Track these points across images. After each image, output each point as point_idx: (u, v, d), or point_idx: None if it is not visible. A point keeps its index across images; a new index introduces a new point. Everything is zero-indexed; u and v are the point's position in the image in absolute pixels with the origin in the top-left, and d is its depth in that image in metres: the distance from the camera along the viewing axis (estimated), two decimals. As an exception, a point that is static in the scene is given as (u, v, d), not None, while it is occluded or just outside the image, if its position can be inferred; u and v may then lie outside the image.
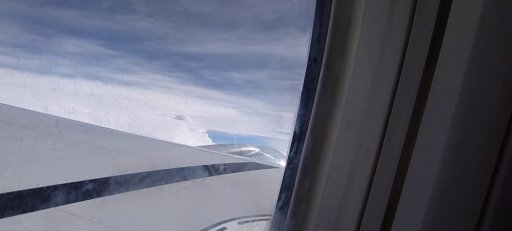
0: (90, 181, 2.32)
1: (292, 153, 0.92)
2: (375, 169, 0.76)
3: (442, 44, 0.68)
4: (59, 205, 2.01)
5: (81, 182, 2.22)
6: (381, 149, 0.75)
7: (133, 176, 2.68)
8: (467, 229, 0.65)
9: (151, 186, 2.81)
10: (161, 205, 2.77)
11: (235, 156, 5.92)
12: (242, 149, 6.62)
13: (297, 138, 0.91)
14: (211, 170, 3.81)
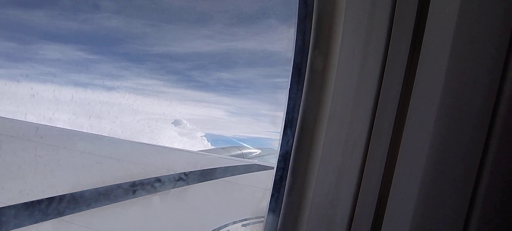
0: (82, 192, 2.31)
1: (282, 151, 0.91)
2: (364, 162, 0.75)
3: (424, 36, 0.68)
4: (44, 220, 1.99)
5: (71, 194, 2.20)
6: (369, 142, 0.75)
7: (131, 183, 2.68)
8: (458, 217, 0.64)
9: (151, 193, 2.81)
10: (161, 211, 2.77)
11: (236, 158, 5.93)
12: (243, 151, 6.63)
13: (287, 136, 0.90)
14: (212, 173, 3.82)
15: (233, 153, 6.38)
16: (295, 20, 0.86)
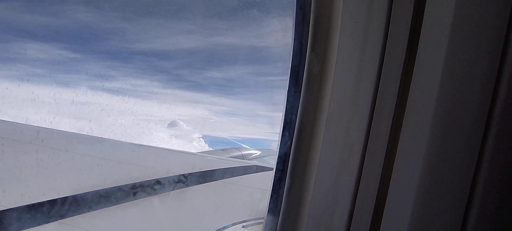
0: (83, 194, 2.31)
1: (281, 153, 0.92)
2: (362, 163, 0.76)
3: (420, 38, 0.68)
4: (45, 223, 1.99)
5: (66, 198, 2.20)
6: (367, 143, 0.75)
7: (132, 185, 2.69)
8: (455, 217, 0.65)
9: (151, 195, 2.82)
10: (162, 213, 2.77)
11: (236, 159, 5.93)
12: (243, 153, 6.62)
13: (285, 138, 0.91)
14: (213, 174, 3.82)
15: (233, 154, 6.38)
16: (292, 22, 0.87)
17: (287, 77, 0.88)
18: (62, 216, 2.08)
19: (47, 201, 2.05)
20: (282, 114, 0.91)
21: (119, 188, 2.59)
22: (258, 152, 6.96)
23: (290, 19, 0.86)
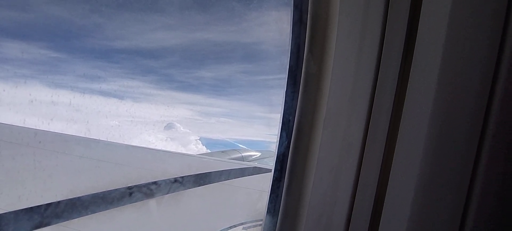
0: (81, 197, 2.30)
1: (279, 153, 0.92)
2: (361, 163, 0.76)
3: (417, 38, 0.69)
4: (43, 226, 1.98)
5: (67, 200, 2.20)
6: (365, 143, 0.75)
7: (130, 187, 2.68)
8: (454, 216, 0.65)
9: (150, 197, 2.81)
10: (160, 215, 2.76)
11: (236, 161, 5.92)
12: (243, 154, 6.61)
13: (284, 138, 0.91)
14: (213, 176, 3.82)
15: (233, 156, 6.37)
16: (289, 22, 0.87)
17: (284, 77, 0.88)
18: (59, 219, 2.07)
19: (46, 204, 2.04)
20: (280, 115, 0.91)
21: (117, 190, 2.58)
22: (258, 154, 6.94)
23: (286, 16, 0.86)
